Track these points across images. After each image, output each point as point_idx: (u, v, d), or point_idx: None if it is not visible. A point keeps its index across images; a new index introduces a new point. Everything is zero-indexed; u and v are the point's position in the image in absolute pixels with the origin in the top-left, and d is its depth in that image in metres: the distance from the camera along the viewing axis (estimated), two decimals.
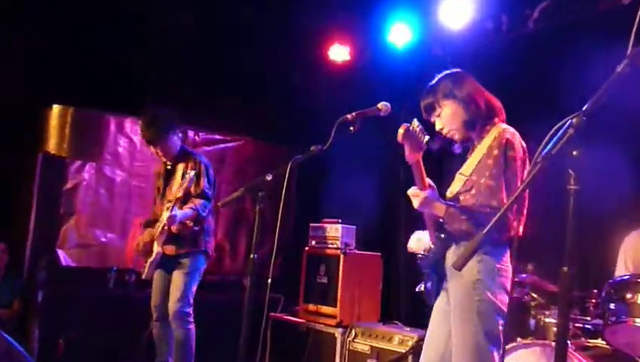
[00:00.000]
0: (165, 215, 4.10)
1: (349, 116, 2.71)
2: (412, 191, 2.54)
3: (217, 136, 6.59)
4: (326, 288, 5.19)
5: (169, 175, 4.36)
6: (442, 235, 2.63)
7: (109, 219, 5.91)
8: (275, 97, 6.29)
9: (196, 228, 4.27)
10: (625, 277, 3.29)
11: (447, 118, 2.72)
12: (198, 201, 4.21)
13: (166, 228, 4.15)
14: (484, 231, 1.64)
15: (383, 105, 2.81)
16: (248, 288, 2.82)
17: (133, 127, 6.10)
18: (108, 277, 5.59)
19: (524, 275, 4.00)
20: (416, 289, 2.77)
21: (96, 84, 5.54)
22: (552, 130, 1.61)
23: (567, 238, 1.61)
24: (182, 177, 4.22)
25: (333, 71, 6.24)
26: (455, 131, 2.73)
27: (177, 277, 4.20)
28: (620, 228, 3.94)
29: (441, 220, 2.61)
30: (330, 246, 5.34)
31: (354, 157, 6.30)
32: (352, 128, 2.71)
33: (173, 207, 4.08)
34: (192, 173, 4.11)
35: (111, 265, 5.70)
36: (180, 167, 4.27)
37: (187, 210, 4.21)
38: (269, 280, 2.86)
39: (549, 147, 1.59)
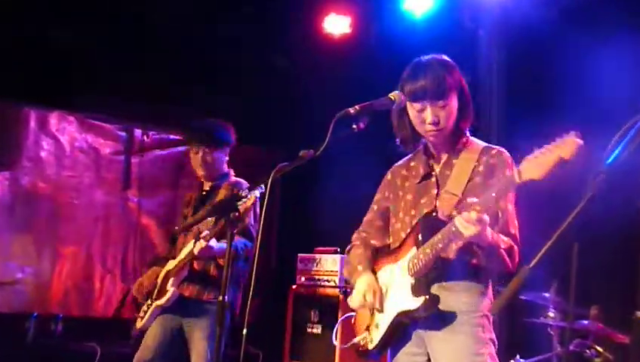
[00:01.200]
0: (190, 246, 4.08)
1: (351, 110, 2.72)
2: (471, 217, 2.58)
3: (173, 137, 6.60)
4: (320, 340, 5.21)
5: (203, 201, 4.42)
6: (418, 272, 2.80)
7: (27, 248, 5.90)
8: (253, 84, 6.33)
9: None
10: None
11: (451, 113, 2.88)
12: (238, 239, 4.17)
13: (188, 262, 4.16)
14: (530, 265, 1.66)
15: (397, 95, 2.84)
16: (216, 341, 2.82)
17: (60, 125, 6.10)
18: (26, 326, 5.57)
19: (585, 322, 4.03)
20: None
21: (13, 71, 5.55)
22: (621, 131, 1.64)
23: (639, 276, 1.63)
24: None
25: (330, 48, 6.28)
26: (443, 132, 2.90)
27: (200, 343, 4.13)
28: None
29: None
30: (326, 283, 5.35)
31: (358, 165, 6.33)
32: (355, 126, 2.72)
33: (208, 238, 4.06)
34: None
35: (30, 311, 5.68)
36: (222, 193, 4.36)
37: (223, 243, 4.09)
38: (245, 331, 2.87)
39: (615, 153, 1.60)
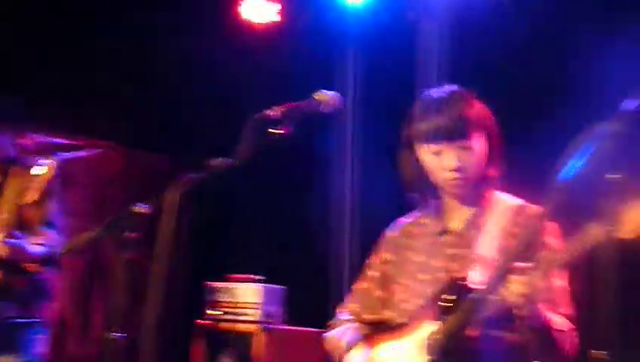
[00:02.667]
0: None
1: (271, 113, 2.72)
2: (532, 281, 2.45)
3: (59, 140, 6.49)
4: None
5: None
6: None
7: None
8: (156, 80, 6.28)
9: (39, 279, 4.36)
10: None
11: (478, 156, 2.78)
12: (50, 234, 4.32)
13: None
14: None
15: (326, 96, 2.84)
16: None
17: None
18: None
19: None
20: None
21: None
22: (578, 141, 1.68)
23: (601, 314, 1.67)
24: (18, 193, 4.37)
25: (250, 39, 6.29)
26: (467, 181, 2.80)
27: None
28: None
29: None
30: (243, 317, 5.33)
31: (281, 177, 6.34)
32: (276, 132, 2.73)
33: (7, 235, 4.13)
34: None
35: None
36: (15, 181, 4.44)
37: (35, 246, 4.28)
38: None
39: (569, 169, 1.64)
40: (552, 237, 2.67)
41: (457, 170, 2.76)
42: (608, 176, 1.67)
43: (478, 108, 2.82)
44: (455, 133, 2.75)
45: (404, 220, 3.07)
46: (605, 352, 1.69)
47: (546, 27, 4.96)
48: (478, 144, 2.78)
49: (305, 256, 6.25)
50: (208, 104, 6.30)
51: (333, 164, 6.04)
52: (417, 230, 2.98)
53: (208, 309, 5.49)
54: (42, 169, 3.35)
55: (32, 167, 4.47)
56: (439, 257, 2.85)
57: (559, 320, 2.63)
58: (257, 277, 5.46)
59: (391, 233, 3.07)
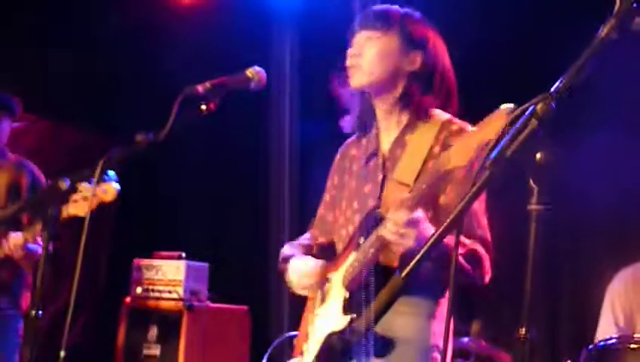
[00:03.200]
0: None
1: (199, 88, 2.70)
2: (399, 219, 2.42)
3: None
4: None
5: None
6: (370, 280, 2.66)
7: None
8: (85, 56, 6.18)
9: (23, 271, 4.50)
10: (611, 341, 3.50)
11: (383, 52, 2.77)
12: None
13: None
14: (402, 274, 1.70)
15: (255, 73, 2.83)
16: None
17: None
18: None
19: (465, 339, 4.18)
20: None
21: None
22: (508, 120, 1.70)
23: (526, 284, 1.71)
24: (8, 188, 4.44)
25: (178, 13, 6.22)
26: (364, 75, 2.78)
27: None
28: (606, 265, 4.21)
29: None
30: (167, 296, 5.31)
31: (208, 153, 6.32)
32: (204, 107, 2.72)
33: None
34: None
35: None
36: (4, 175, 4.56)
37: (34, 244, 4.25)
38: (62, 353, 2.80)
39: (500, 146, 1.67)
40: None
41: (354, 55, 2.78)
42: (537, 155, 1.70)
43: (411, 20, 2.82)
44: (368, 23, 2.79)
45: (348, 140, 3.06)
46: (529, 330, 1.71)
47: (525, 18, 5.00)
48: (389, 42, 2.78)
49: (233, 235, 6.25)
50: (139, 80, 6.22)
51: (272, 141, 6.02)
52: (356, 151, 2.97)
53: (134, 287, 5.44)
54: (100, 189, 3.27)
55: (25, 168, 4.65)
56: (369, 182, 2.84)
57: (468, 242, 2.61)
58: (181, 254, 5.42)
59: (338, 155, 3.07)
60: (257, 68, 2.83)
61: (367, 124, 2.93)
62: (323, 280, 2.82)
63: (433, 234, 1.80)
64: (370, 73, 2.77)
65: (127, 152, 2.72)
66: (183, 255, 5.40)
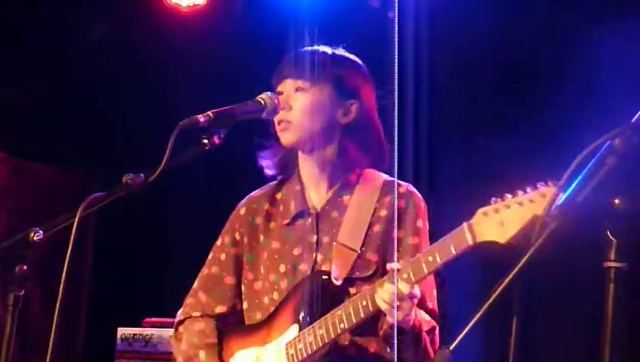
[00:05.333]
0: None
1: (200, 118, 2.71)
2: (403, 292, 2.58)
3: None
4: None
5: None
6: None
7: None
8: (64, 78, 6.24)
9: None
10: None
11: (315, 105, 2.93)
12: None
13: None
14: (451, 347, 1.71)
15: (269, 99, 2.85)
16: None
17: None
18: None
19: None
20: None
21: None
22: (579, 158, 1.70)
23: (604, 356, 1.70)
24: None
25: (176, 27, 6.27)
26: (297, 131, 2.93)
27: None
28: None
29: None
30: None
31: (207, 197, 6.32)
32: (206, 141, 2.73)
33: None
34: None
35: None
36: None
37: None
38: None
39: (570, 191, 1.67)
40: (421, 218, 2.89)
41: (284, 108, 2.90)
42: (615, 200, 1.70)
43: (345, 69, 3.00)
44: (295, 70, 2.95)
45: (256, 193, 3.16)
46: None
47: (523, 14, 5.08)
48: (320, 93, 2.93)
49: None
50: (123, 108, 6.26)
51: None
52: (270, 207, 3.07)
53: (120, 361, 5.44)
54: None
55: None
56: (298, 244, 2.95)
57: (427, 318, 2.82)
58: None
59: (243, 209, 3.15)
60: (271, 93, 2.85)
61: (286, 175, 3.09)
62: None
63: (483, 306, 1.79)
64: (301, 129, 2.93)
65: (111, 196, 2.73)
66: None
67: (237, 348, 2.95)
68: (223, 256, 3.13)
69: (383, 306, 2.58)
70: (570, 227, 1.69)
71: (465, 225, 2.48)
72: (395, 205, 2.82)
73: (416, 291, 2.61)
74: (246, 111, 2.82)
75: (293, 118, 2.92)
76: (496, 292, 1.76)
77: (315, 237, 2.92)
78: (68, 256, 2.68)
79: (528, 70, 5.05)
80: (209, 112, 2.70)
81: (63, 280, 2.72)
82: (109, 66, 6.22)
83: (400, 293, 2.55)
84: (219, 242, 3.16)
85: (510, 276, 1.75)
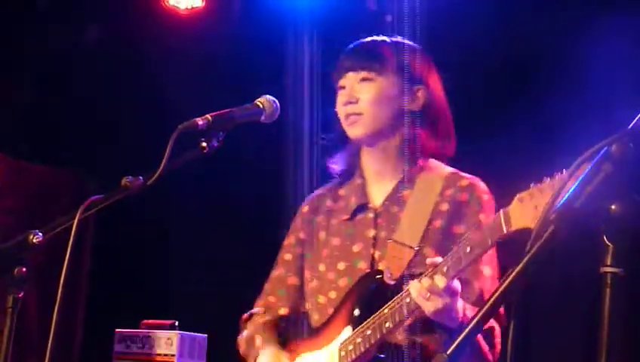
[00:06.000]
0: None
1: (199, 121, 2.71)
2: (436, 285, 2.49)
3: None
4: None
5: None
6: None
7: None
8: (61, 79, 6.23)
9: None
10: None
11: (382, 94, 2.87)
12: None
13: None
14: (448, 352, 1.70)
15: (268, 102, 2.86)
16: None
17: None
18: None
19: None
20: None
21: None
22: (575, 164, 1.70)
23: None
24: None
25: (174, 29, 6.27)
26: (366, 122, 2.87)
27: None
28: None
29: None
30: None
31: (208, 199, 6.32)
32: (205, 145, 2.73)
33: None
34: None
35: None
36: None
37: None
38: None
39: (568, 196, 1.67)
40: (484, 211, 2.77)
41: (349, 102, 2.87)
42: (612, 206, 1.70)
43: (407, 55, 2.92)
44: (359, 62, 2.89)
45: (319, 191, 3.15)
46: None
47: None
48: (386, 82, 2.88)
49: (245, 300, 6.23)
50: (127, 109, 6.25)
51: (286, 187, 6.01)
52: (333, 204, 3.03)
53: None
54: None
55: None
56: (357, 241, 2.90)
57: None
58: (174, 323, 5.41)
59: (306, 207, 3.13)
60: (270, 97, 2.85)
61: (350, 172, 3.04)
62: None
63: (480, 309, 1.79)
64: (370, 120, 2.88)
65: (110, 199, 2.74)
66: (177, 324, 5.40)
67: (300, 352, 2.91)
68: (288, 256, 3.12)
69: (418, 301, 2.51)
70: (567, 232, 1.69)
71: (501, 212, 2.40)
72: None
73: (456, 285, 2.51)
74: (245, 114, 2.81)
75: (362, 109, 2.87)
76: (494, 297, 1.77)
77: (373, 232, 2.86)
78: (67, 258, 2.69)
79: (526, 71, 5.06)
80: (207, 115, 2.70)
81: (61, 282, 2.73)
82: (107, 68, 6.22)
83: (435, 287, 2.47)
84: (285, 242, 3.14)
85: (507, 281, 1.75)
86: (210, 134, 2.72)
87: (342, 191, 3.02)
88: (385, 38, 3.00)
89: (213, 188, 6.25)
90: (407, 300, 2.56)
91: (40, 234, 2.74)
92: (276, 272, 3.12)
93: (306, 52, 5.98)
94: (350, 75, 2.90)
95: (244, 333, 3.06)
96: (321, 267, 2.95)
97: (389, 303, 2.63)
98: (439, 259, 2.52)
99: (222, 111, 2.75)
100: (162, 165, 2.61)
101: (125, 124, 6.24)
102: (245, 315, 3.10)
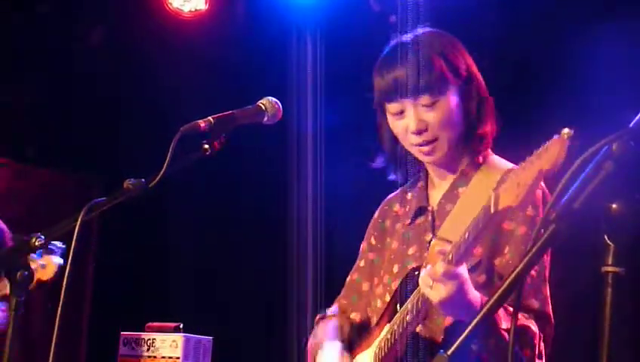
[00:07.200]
0: None
1: (201, 123, 2.71)
2: (436, 271, 2.44)
3: None
4: None
5: None
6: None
7: None
8: (63, 83, 6.23)
9: None
10: None
11: (448, 115, 2.79)
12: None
13: None
14: (449, 352, 1.70)
15: (270, 104, 2.85)
16: None
17: None
18: None
19: None
20: None
21: None
22: (576, 163, 1.70)
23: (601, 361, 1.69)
24: None
25: (177, 32, 6.27)
26: (439, 146, 2.80)
27: None
28: None
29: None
30: None
31: (212, 201, 6.32)
32: (207, 146, 2.73)
33: None
34: None
35: None
36: None
37: None
38: None
39: (569, 194, 1.66)
40: (533, 206, 2.67)
41: (419, 132, 2.77)
42: (613, 205, 1.70)
43: (451, 56, 2.84)
44: (418, 88, 2.76)
45: (392, 195, 3.08)
46: None
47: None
48: (449, 100, 2.79)
49: (251, 302, 6.22)
50: (130, 112, 6.26)
51: (290, 189, 6.00)
52: (400, 208, 2.99)
53: None
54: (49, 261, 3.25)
55: None
56: (414, 244, 2.86)
57: (522, 321, 2.59)
58: (178, 326, 5.40)
59: (377, 213, 3.09)
60: (272, 98, 2.84)
61: (410, 173, 2.97)
62: None
63: (484, 305, 1.78)
64: (447, 143, 2.79)
65: (113, 201, 2.73)
66: (181, 326, 5.39)
67: (354, 353, 2.88)
68: (362, 263, 3.08)
69: (424, 290, 2.47)
70: (568, 232, 1.69)
71: (492, 193, 2.36)
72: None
73: (460, 271, 2.43)
74: (247, 116, 2.81)
75: (434, 135, 2.79)
76: (495, 296, 1.77)
77: (430, 235, 2.81)
78: (69, 260, 2.69)
79: (528, 70, 5.07)
80: (210, 117, 2.70)
81: (64, 284, 2.73)
82: (111, 71, 6.23)
83: (435, 274, 2.42)
84: (361, 247, 3.10)
85: (509, 280, 1.75)
86: (212, 136, 2.72)
87: (409, 195, 2.98)
88: (418, 40, 2.88)
89: (218, 191, 6.25)
90: (421, 292, 2.53)
91: (42, 237, 2.74)
92: (351, 278, 3.09)
93: (309, 54, 5.98)
94: (408, 101, 2.78)
95: (314, 331, 3.04)
96: (382, 272, 2.92)
97: (411, 296, 2.61)
98: (446, 247, 2.48)
99: (224, 113, 2.74)
100: (164, 167, 2.61)
101: (129, 127, 6.24)
102: (318, 316, 3.09)
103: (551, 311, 2.72)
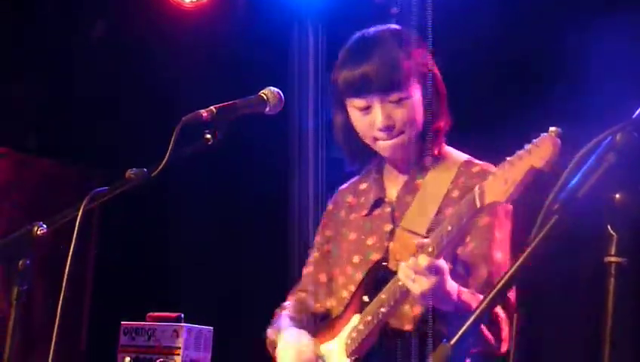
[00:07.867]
0: None
1: (203, 113, 2.72)
2: (419, 264, 2.47)
3: None
4: None
5: None
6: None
7: None
8: (62, 74, 6.23)
9: None
10: None
11: (413, 111, 2.83)
12: None
13: None
14: (452, 342, 1.70)
15: (272, 94, 2.86)
16: None
17: None
18: None
19: None
20: None
21: None
22: (579, 154, 1.70)
23: (604, 355, 1.70)
24: None
25: (178, 22, 6.27)
26: (403, 141, 2.85)
27: None
28: None
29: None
30: None
31: (213, 190, 6.32)
32: (209, 136, 2.73)
33: None
34: None
35: None
36: None
37: None
38: None
39: (572, 185, 1.67)
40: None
41: (387, 128, 2.81)
42: (616, 196, 1.70)
43: (415, 53, 2.88)
44: (387, 85, 2.79)
45: (344, 186, 3.13)
46: None
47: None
48: (414, 97, 2.84)
49: (252, 292, 6.22)
50: (132, 102, 6.25)
51: (291, 181, 6.01)
52: (353, 199, 3.03)
53: (121, 356, 5.44)
54: None
55: None
56: (373, 234, 2.90)
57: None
58: (179, 316, 5.41)
59: (331, 205, 3.13)
60: (274, 88, 2.85)
61: (364, 164, 3.02)
62: (316, 359, 2.87)
63: (484, 299, 1.78)
64: (408, 137, 2.85)
65: (114, 191, 2.74)
66: (182, 316, 5.40)
67: (320, 344, 2.91)
68: (317, 254, 3.11)
69: (405, 282, 2.50)
70: (571, 222, 1.69)
71: (477, 187, 2.40)
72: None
73: (442, 264, 2.47)
74: (249, 106, 2.82)
75: (399, 130, 2.82)
76: (498, 287, 1.77)
77: (390, 227, 2.85)
78: (71, 250, 2.69)
79: (529, 67, 5.07)
80: (212, 107, 2.71)
81: (66, 273, 2.73)
82: (111, 62, 6.23)
83: (418, 267, 2.45)
84: (315, 239, 3.15)
85: (511, 271, 1.75)
86: (214, 126, 2.73)
87: (363, 186, 3.02)
88: (384, 36, 2.92)
89: (219, 182, 6.25)
90: (400, 283, 2.55)
91: (44, 226, 2.75)
92: (306, 270, 3.13)
93: (310, 45, 5.98)
94: (376, 98, 2.81)
95: (273, 324, 3.06)
96: (343, 263, 2.95)
97: (385, 288, 2.63)
98: (426, 241, 2.51)
99: (226, 103, 2.75)
100: (166, 157, 2.62)
101: (130, 117, 6.24)
102: (277, 309, 3.10)
103: (513, 296, 2.71)
